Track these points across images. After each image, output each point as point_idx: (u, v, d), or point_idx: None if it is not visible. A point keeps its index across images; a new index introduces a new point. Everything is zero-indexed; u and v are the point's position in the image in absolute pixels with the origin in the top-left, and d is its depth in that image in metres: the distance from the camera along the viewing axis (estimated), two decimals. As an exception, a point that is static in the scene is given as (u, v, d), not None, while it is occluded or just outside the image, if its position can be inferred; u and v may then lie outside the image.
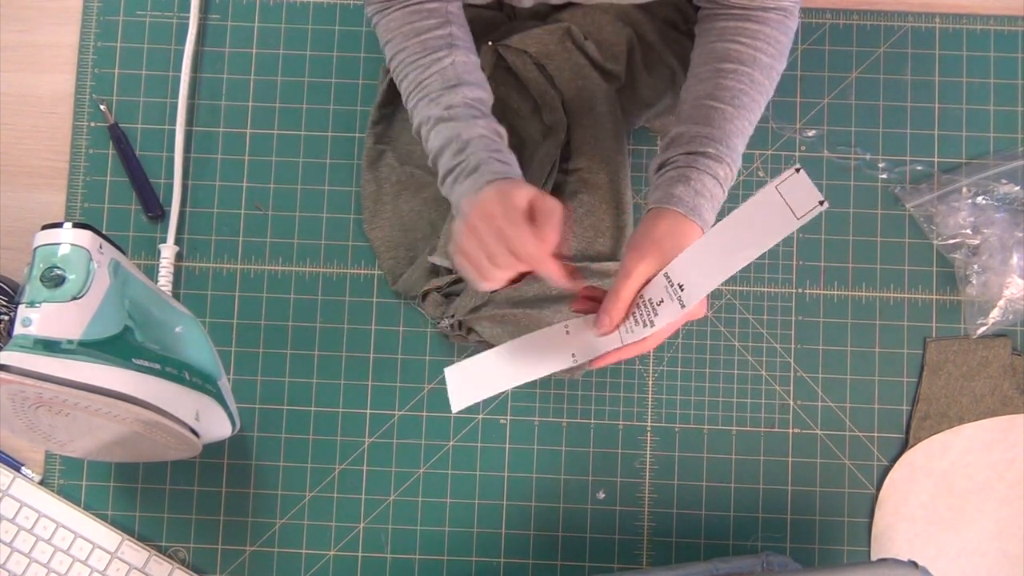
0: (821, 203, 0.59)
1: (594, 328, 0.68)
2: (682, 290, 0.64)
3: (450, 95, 0.72)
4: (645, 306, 0.67)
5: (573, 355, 0.69)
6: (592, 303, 0.69)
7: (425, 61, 0.73)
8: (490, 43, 0.85)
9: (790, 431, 0.86)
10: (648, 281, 0.67)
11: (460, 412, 0.72)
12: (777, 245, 0.87)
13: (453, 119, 0.72)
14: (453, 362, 0.87)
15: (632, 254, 0.68)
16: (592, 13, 0.85)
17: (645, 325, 0.66)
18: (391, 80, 0.86)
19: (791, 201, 0.60)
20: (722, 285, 0.87)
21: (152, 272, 0.88)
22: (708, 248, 0.64)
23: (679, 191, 0.69)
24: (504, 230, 0.65)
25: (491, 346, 0.85)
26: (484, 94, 0.75)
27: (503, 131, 0.74)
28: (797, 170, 0.60)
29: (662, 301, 0.65)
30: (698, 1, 0.80)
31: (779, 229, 0.61)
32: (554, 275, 0.65)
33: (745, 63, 0.73)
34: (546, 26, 0.84)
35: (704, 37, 0.77)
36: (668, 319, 0.65)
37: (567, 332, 0.70)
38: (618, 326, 0.68)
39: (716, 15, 0.76)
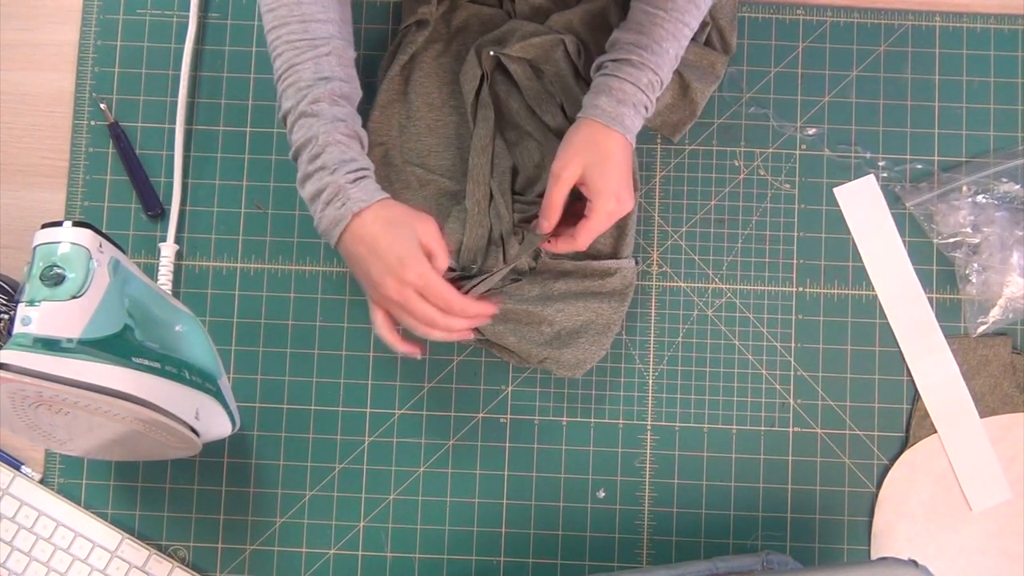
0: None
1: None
2: None
3: (318, 88, 0.72)
4: None
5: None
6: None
7: (303, 45, 0.72)
8: (491, 52, 0.84)
9: (790, 430, 0.86)
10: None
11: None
12: (777, 244, 0.88)
13: (316, 115, 0.72)
14: (453, 361, 0.87)
15: (558, 162, 0.76)
16: (591, 13, 0.85)
17: None
18: (390, 79, 0.86)
19: None
20: (722, 284, 0.88)
21: (152, 271, 0.87)
22: None
23: (602, 101, 0.76)
24: (432, 300, 0.71)
25: (492, 344, 0.85)
26: (353, 92, 0.75)
27: (364, 135, 0.75)
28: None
29: None
30: None
31: None
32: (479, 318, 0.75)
33: None
34: (544, 37, 0.84)
35: None
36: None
37: None
38: (555, 224, 0.78)
39: None
